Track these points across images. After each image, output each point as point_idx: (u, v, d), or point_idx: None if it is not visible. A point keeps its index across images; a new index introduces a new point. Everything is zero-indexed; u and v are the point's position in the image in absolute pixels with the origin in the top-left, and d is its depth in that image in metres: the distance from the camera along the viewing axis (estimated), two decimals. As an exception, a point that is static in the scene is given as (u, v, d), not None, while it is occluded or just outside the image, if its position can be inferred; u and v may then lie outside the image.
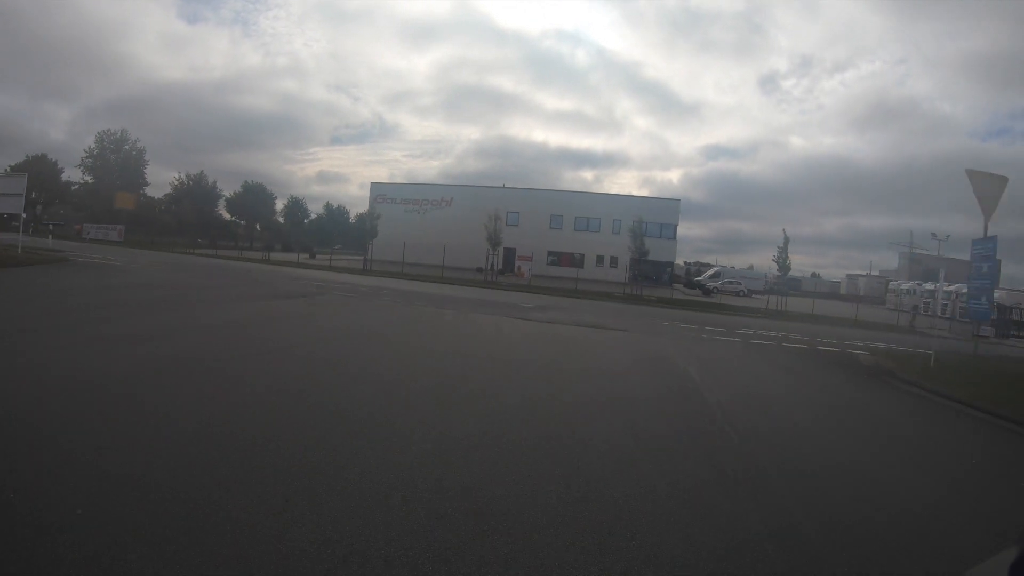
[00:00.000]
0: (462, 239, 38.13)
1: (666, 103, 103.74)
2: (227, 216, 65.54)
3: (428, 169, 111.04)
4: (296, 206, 70.78)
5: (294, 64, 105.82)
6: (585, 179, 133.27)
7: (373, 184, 49.97)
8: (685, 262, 58.56)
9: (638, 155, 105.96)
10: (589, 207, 45.19)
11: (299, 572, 2.26)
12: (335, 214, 75.57)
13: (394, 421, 4.45)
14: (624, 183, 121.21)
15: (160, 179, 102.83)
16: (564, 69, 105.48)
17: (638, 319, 16.66)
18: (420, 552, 2.49)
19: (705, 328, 15.21)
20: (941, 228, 71.24)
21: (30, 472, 2.89)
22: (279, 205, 70.28)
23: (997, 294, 19.08)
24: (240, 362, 6.23)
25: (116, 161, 60.54)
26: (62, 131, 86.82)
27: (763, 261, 74.93)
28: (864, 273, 60.12)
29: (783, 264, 27.48)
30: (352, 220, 71.38)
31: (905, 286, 42.79)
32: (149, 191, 63.63)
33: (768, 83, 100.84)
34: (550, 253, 43.57)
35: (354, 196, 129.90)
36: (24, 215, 20.98)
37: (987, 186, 11.35)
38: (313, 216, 74.03)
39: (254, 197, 65.18)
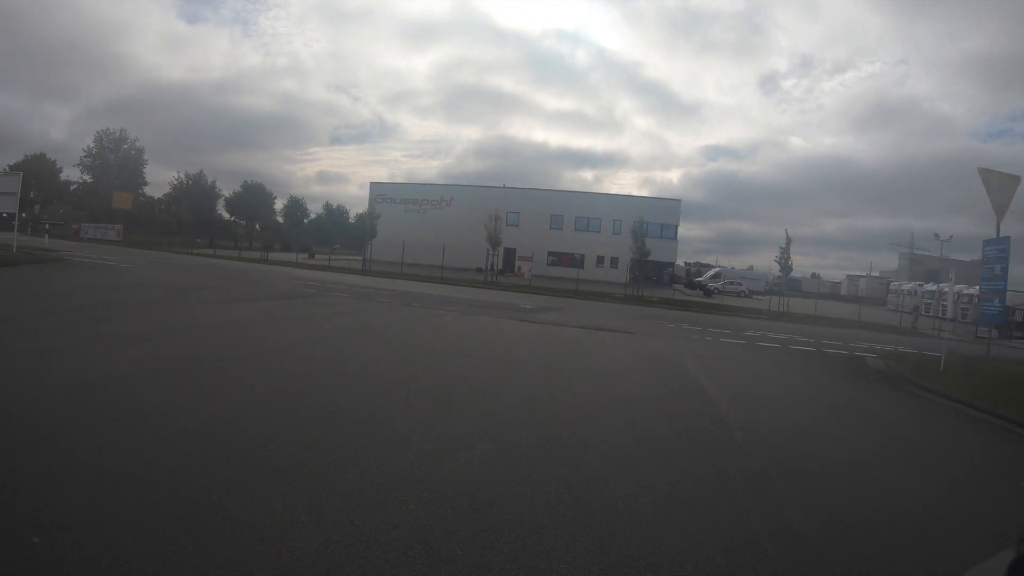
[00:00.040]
0: (462, 239, 38.12)
1: (666, 103, 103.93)
2: (226, 216, 65.57)
3: (428, 169, 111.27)
4: (295, 206, 70.86)
5: (294, 64, 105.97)
6: (585, 179, 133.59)
7: (372, 184, 49.96)
8: (685, 263, 58.63)
9: (638, 155, 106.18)
10: (590, 207, 45.18)
11: (299, 572, 2.26)
12: (335, 214, 75.55)
13: (394, 421, 4.45)
14: (624, 183, 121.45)
15: (160, 179, 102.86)
16: (564, 69, 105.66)
17: (640, 320, 16.66)
18: (420, 552, 2.49)
19: (709, 330, 15.18)
20: (941, 229, 71.40)
21: (30, 472, 2.89)
22: (279, 205, 70.41)
23: (1001, 295, 18.93)
24: (240, 362, 6.23)
25: (115, 161, 60.52)
26: (62, 131, 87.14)
27: (763, 262, 75.09)
28: (864, 274, 60.17)
29: (785, 265, 27.43)
30: (352, 220, 71.34)
31: (906, 287, 42.80)
32: (148, 191, 63.81)
33: (768, 83, 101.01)
34: (550, 253, 43.57)
35: (354, 196, 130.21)
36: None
37: (1000, 185, 11.11)
38: (313, 216, 74.12)
39: (253, 197, 65.12)
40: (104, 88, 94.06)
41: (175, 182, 63.11)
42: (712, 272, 49.86)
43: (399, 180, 55.95)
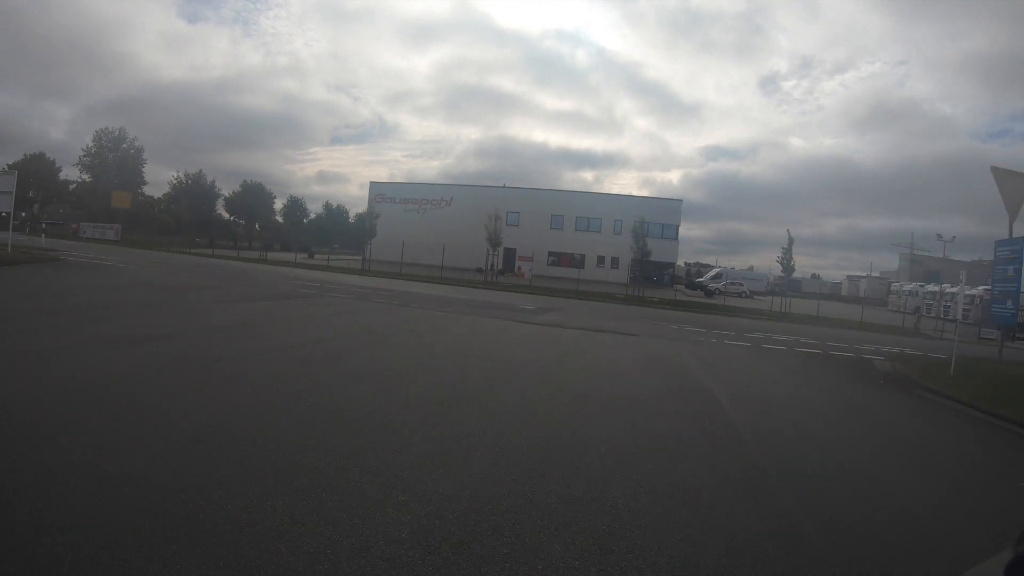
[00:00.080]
0: (462, 239, 38.11)
1: (666, 104, 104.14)
2: (226, 216, 65.52)
3: (428, 169, 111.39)
4: (295, 206, 70.83)
5: (294, 64, 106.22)
6: (585, 179, 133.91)
7: (372, 183, 49.91)
8: (685, 263, 58.63)
9: (638, 156, 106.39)
10: (590, 207, 45.13)
11: (299, 572, 2.26)
12: (334, 214, 75.52)
13: (394, 421, 4.45)
14: (624, 184, 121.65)
15: (159, 178, 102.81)
16: (564, 69, 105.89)
17: (641, 321, 16.66)
18: (420, 552, 2.49)
19: (713, 331, 15.16)
20: (941, 229, 71.55)
21: (30, 472, 2.89)
22: (278, 205, 70.40)
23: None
24: (239, 362, 6.23)
25: (114, 160, 60.46)
26: (62, 130, 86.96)
27: (763, 262, 75.18)
28: (865, 274, 60.24)
29: (787, 265, 27.39)
30: (351, 220, 71.30)
31: (908, 288, 42.79)
32: (148, 190, 63.78)
33: (768, 84, 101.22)
34: (551, 253, 43.55)
35: (354, 196, 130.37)
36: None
37: (1013, 184, 10.90)
38: (312, 216, 74.09)
39: (253, 196, 65.11)
40: (104, 87, 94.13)
41: (174, 181, 63.19)
42: (713, 272, 49.87)
43: (399, 180, 55.97)
